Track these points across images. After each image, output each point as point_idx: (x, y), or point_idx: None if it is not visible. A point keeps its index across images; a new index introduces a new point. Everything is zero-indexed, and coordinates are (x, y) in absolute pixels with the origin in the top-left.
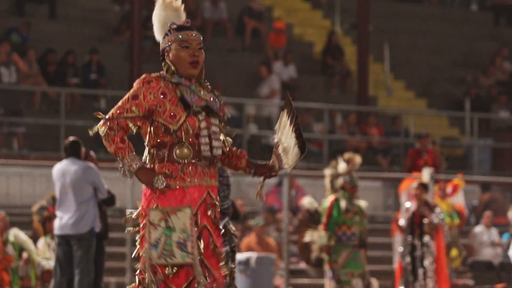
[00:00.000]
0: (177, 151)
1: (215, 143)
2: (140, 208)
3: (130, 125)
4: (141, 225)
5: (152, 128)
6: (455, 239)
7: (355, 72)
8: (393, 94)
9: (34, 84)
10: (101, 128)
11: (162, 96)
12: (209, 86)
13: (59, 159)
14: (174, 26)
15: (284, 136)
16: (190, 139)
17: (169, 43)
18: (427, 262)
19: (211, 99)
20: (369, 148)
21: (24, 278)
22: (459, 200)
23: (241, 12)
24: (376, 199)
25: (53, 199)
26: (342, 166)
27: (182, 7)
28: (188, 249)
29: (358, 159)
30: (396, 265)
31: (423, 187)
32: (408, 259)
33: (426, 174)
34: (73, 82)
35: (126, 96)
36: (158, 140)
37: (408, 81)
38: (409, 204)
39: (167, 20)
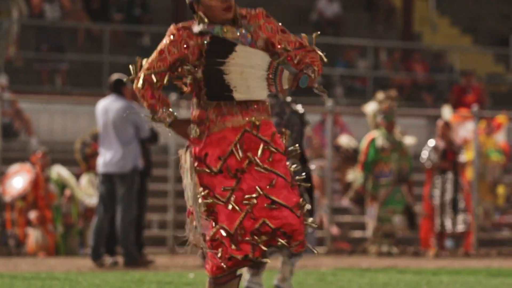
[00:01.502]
0: (204, 97)
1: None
2: None
3: (158, 79)
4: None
5: (184, 78)
6: (500, 177)
7: (400, 8)
8: (438, 31)
9: (77, 21)
10: (134, 86)
11: (185, 47)
12: (240, 20)
13: (102, 95)
14: None
15: None
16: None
17: None
18: (459, 201)
19: (242, 34)
20: (414, 85)
21: (66, 216)
22: (502, 137)
23: None
24: (420, 136)
25: (96, 135)
26: (372, 105)
27: None
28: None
29: (391, 95)
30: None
31: (447, 125)
32: (438, 198)
33: (446, 112)
34: (117, 19)
35: (155, 51)
36: (191, 88)
37: (454, 17)
38: (433, 143)
39: None
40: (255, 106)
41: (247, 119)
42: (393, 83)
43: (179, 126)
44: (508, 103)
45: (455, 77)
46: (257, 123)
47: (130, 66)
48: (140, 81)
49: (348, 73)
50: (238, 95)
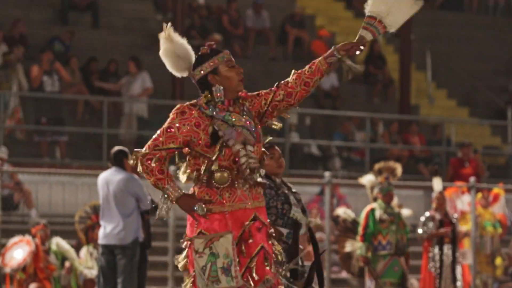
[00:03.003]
0: (216, 176)
1: (253, 165)
2: (184, 235)
3: (166, 156)
4: (186, 251)
5: (189, 156)
6: (498, 248)
7: (397, 81)
8: (435, 103)
9: (77, 93)
10: (139, 162)
11: (195, 127)
12: (242, 104)
13: (101, 168)
14: (207, 51)
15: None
16: (228, 165)
17: (213, 67)
18: (459, 270)
19: (247, 122)
20: (411, 157)
21: (66, 287)
22: (500, 209)
23: (284, 21)
24: (418, 208)
25: (95, 207)
26: (369, 178)
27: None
28: (232, 273)
29: (390, 167)
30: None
31: (442, 196)
32: (437, 269)
33: (436, 183)
34: (116, 91)
35: (161, 128)
36: (197, 166)
37: (450, 89)
38: (428, 214)
39: (179, 51)
40: (259, 191)
41: (254, 202)
42: (390, 155)
43: (187, 202)
44: (505, 175)
45: (452, 149)
46: (262, 207)
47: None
48: (147, 157)
49: (346, 145)
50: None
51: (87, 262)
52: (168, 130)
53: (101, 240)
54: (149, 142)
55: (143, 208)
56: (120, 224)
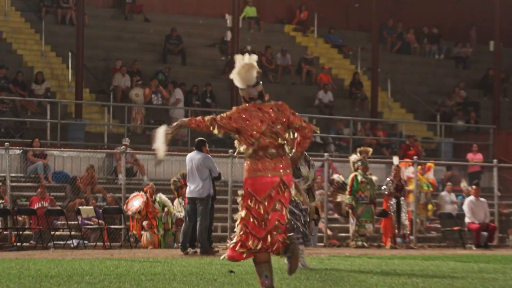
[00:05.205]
0: (247, 150)
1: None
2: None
3: (219, 130)
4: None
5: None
6: (429, 199)
7: (369, 97)
8: (393, 111)
9: (172, 105)
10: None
11: (244, 118)
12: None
13: (187, 150)
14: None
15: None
16: (253, 142)
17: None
18: (404, 214)
19: (272, 114)
20: (377, 144)
21: (165, 224)
22: (431, 175)
23: (300, 60)
24: (381, 175)
25: (183, 175)
26: (354, 156)
27: (254, 64)
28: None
29: (367, 150)
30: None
31: (398, 168)
32: (393, 213)
33: (395, 160)
34: (196, 104)
35: (229, 112)
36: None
37: (402, 103)
38: (389, 179)
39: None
40: (284, 163)
41: (275, 172)
42: (364, 143)
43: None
44: (435, 155)
45: (403, 139)
46: (284, 175)
47: None
48: (209, 123)
49: (338, 137)
50: None
51: (178, 208)
52: (230, 116)
53: (187, 195)
54: (217, 116)
55: (213, 175)
56: (200, 185)
